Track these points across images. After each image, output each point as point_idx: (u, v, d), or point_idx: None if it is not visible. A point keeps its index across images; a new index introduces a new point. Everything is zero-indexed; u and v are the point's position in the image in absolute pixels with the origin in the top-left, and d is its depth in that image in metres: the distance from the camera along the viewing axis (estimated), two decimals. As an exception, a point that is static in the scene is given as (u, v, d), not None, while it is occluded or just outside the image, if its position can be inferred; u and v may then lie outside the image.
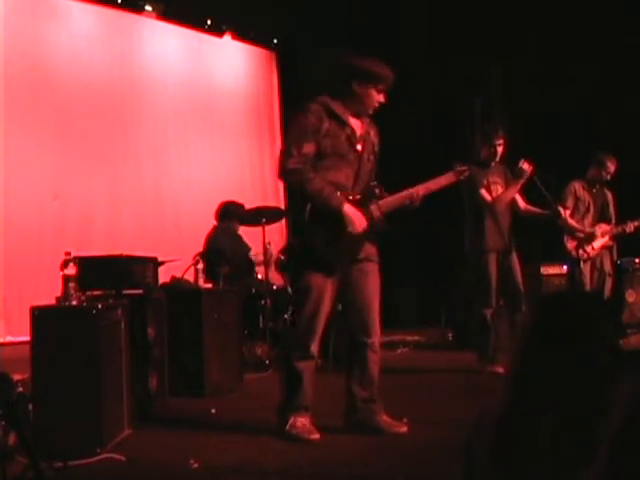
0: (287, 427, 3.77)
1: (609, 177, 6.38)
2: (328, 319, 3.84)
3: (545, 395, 1.44)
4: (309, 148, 3.67)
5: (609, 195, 6.52)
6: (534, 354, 1.51)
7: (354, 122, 3.82)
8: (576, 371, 1.43)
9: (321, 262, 3.72)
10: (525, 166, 5.41)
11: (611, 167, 6.34)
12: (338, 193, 3.69)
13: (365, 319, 3.87)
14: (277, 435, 3.78)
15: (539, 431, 1.41)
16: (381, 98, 3.80)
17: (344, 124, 3.77)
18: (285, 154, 3.71)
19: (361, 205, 3.76)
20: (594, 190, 6.43)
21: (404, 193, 3.87)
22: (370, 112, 3.86)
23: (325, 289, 3.75)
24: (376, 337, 3.91)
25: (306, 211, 3.68)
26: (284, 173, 3.73)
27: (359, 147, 3.80)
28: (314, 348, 3.80)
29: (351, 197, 3.75)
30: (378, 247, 3.94)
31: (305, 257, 3.76)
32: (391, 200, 3.87)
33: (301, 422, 3.77)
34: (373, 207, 3.79)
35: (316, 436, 3.73)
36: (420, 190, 3.86)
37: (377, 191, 3.85)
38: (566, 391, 1.43)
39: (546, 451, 1.40)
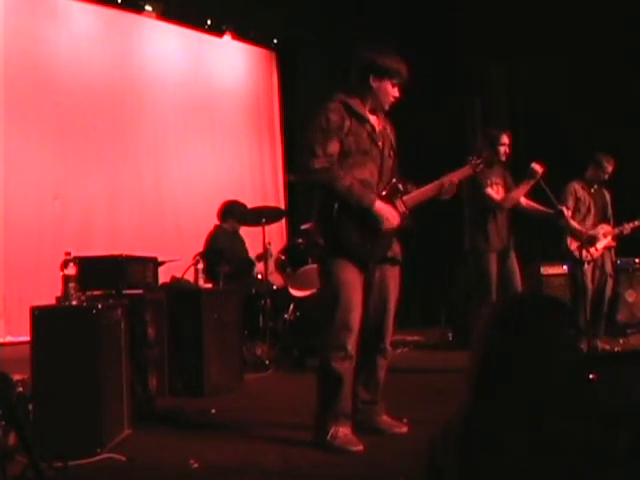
0: (328, 438, 3.58)
1: (607, 177, 6.39)
2: (362, 317, 3.72)
3: (507, 391, 1.46)
4: (334, 147, 3.62)
5: (607, 195, 6.51)
6: (495, 343, 1.51)
7: (372, 118, 3.79)
8: (532, 367, 1.47)
9: (355, 258, 3.65)
10: (537, 167, 5.41)
11: (609, 167, 6.35)
12: (367, 190, 3.65)
13: (381, 323, 3.84)
14: (316, 446, 3.59)
15: (504, 427, 1.42)
16: (396, 92, 3.78)
17: (364, 121, 3.73)
18: (309, 154, 3.61)
19: (388, 201, 3.74)
20: (592, 190, 6.43)
21: (428, 187, 3.86)
22: (386, 107, 3.83)
23: (358, 285, 3.67)
24: (388, 342, 3.90)
25: (334, 209, 3.61)
26: (310, 173, 3.61)
27: (380, 143, 3.77)
28: (352, 347, 3.64)
29: (378, 193, 3.73)
30: (401, 246, 3.92)
31: (338, 254, 3.65)
32: (415, 195, 3.83)
33: (343, 432, 3.60)
34: (398, 203, 3.77)
35: (360, 447, 3.54)
36: (445, 182, 3.86)
37: (400, 186, 3.81)
38: (526, 384, 1.44)
39: (513, 450, 1.41)
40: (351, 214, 3.62)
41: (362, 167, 3.70)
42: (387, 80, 3.74)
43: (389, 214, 3.67)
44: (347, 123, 3.66)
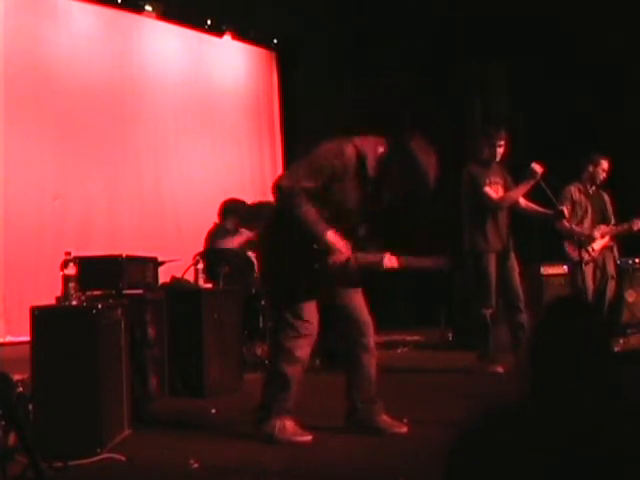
0: (276, 431, 3.71)
1: (604, 176, 6.32)
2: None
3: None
4: (309, 185, 3.58)
5: (606, 197, 6.44)
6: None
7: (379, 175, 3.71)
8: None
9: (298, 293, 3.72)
10: (537, 167, 5.40)
11: (605, 165, 6.27)
12: (324, 222, 3.60)
13: (357, 318, 3.86)
14: (264, 441, 3.69)
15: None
16: (402, 196, 3.78)
17: (367, 184, 3.66)
18: (286, 176, 3.72)
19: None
20: (590, 192, 6.37)
21: (371, 256, 3.78)
22: (390, 197, 3.79)
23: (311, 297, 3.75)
24: (371, 337, 3.90)
25: (286, 234, 3.66)
26: (277, 189, 3.64)
27: (368, 207, 3.74)
28: (303, 353, 3.75)
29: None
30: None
31: (282, 293, 3.78)
32: (364, 257, 3.76)
33: (289, 425, 3.74)
34: (352, 257, 3.70)
35: (308, 438, 3.69)
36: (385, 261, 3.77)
37: (361, 236, 3.78)
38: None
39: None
40: (301, 243, 3.60)
41: (332, 209, 3.64)
42: (413, 187, 3.69)
43: (341, 245, 3.60)
44: (345, 179, 3.61)
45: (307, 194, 3.59)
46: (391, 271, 3.78)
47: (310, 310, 3.75)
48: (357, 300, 3.89)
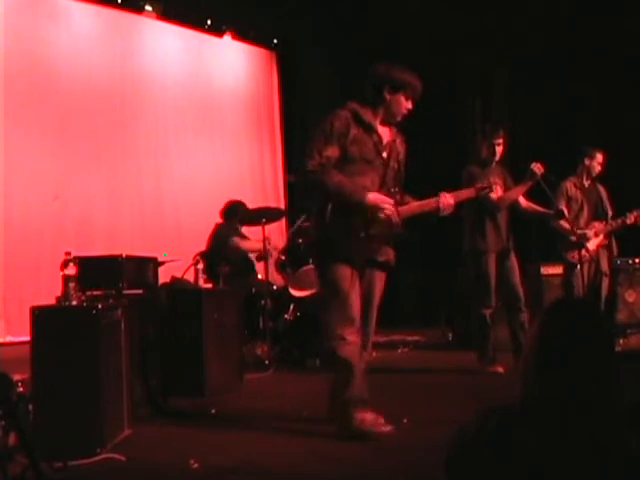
0: (356, 423, 3.65)
1: (599, 169, 6.29)
2: (360, 312, 3.79)
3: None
4: (332, 152, 3.70)
5: (602, 190, 6.40)
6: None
7: (382, 130, 3.87)
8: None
9: (344, 259, 3.72)
10: (536, 168, 5.39)
11: (600, 158, 6.25)
12: (359, 187, 3.71)
13: (364, 321, 3.85)
14: (344, 434, 3.64)
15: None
16: (409, 105, 3.87)
17: (372, 130, 3.82)
18: (305, 156, 3.74)
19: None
20: (586, 186, 6.34)
21: (425, 202, 3.91)
22: (398, 119, 3.91)
23: (354, 280, 3.74)
24: (371, 340, 3.95)
25: (327, 209, 3.70)
26: (303, 174, 3.75)
27: (385, 154, 3.85)
28: (354, 336, 3.71)
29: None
30: (396, 253, 3.96)
31: (331, 253, 3.74)
32: (410, 207, 3.89)
33: (369, 416, 3.67)
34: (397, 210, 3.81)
35: (389, 428, 3.64)
36: (443, 202, 3.88)
37: (398, 197, 3.87)
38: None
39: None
40: (343, 215, 3.68)
41: (363, 175, 3.77)
42: (401, 93, 3.83)
43: (384, 200, 3.73)
44: (353, 131, 3.75)
45: (339, 171, 3.68)
46: (447, 212, 3.88)
47: (355, 298, 3.74)
48: (374, 303, 3.91)
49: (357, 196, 3.68)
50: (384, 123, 3.89)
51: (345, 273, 3.72)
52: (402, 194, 3.93)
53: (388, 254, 3.91)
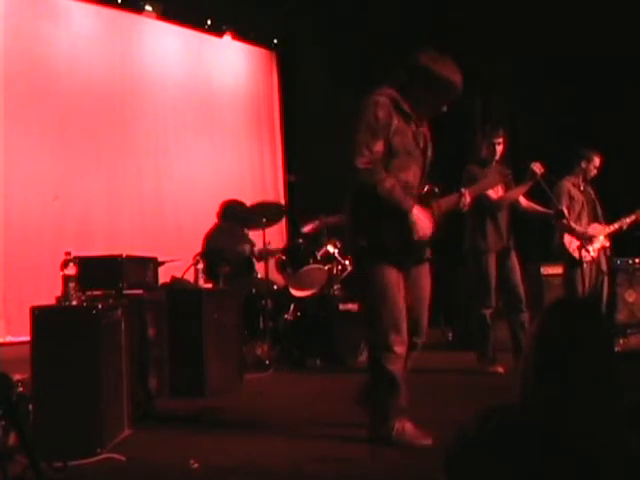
0: (394, 433, 3.58)
1: (595, 172, 6.31)
2: (412, 312, 3.73)
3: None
4: (380, 146, 3.56)
5: (593, 193, 6.42)
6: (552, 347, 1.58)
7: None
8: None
9: (395, 261, 3.64)
10: (536, 168, 5.39)
11: (597, 161, 6.27)
12: (407, 195, 3.60)
13: (417, 319, 3.81)
14: (381, 442, 3.57)
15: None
16: (445, 107, 3.75)
17: (410, 120, 3.66)
18: (355, 152, 3.55)
19: (426, 204, 3.70)
20: (581, 188, 6.36)
21: (450, 199, 3.86)
22: (431, 117, 3.80)
23: (401, 286, 3.67)
24: (423, 338, 3.88)
25: (378, 211, 3.59)
26: (355, 171, 3.56)
27: (421, 144, 3.74)
28: (401, 347, 3.63)
29: (419, 192, 3.71)
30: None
31: (381, 256, 3.63)
32: (447, 200, 3.83)
33: (408, 427, 3.60)
34: (435, 205, 3.75)
35: (428, 441, 3.52)
36: (465, 195, 3.88)
37: (437, 189, 3.80)
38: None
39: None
40: (394, 217, 3.59)
41: (407, 169, 3.66)
42: (444, 96, 3.69)
43: (423, 224, 3.62)
44: (395, 121, 3.59)
45: (385, 167, 3.57)
46: (466, 208, 3.91)
47: (403, 306, 3.68)
48: (425, 301, 3.88)
49: (404, 207, 3.56)
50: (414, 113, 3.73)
51: (395, 279, 3.64)
52: (437, 186, 3.84)
53: (427, 250, 3.86)
